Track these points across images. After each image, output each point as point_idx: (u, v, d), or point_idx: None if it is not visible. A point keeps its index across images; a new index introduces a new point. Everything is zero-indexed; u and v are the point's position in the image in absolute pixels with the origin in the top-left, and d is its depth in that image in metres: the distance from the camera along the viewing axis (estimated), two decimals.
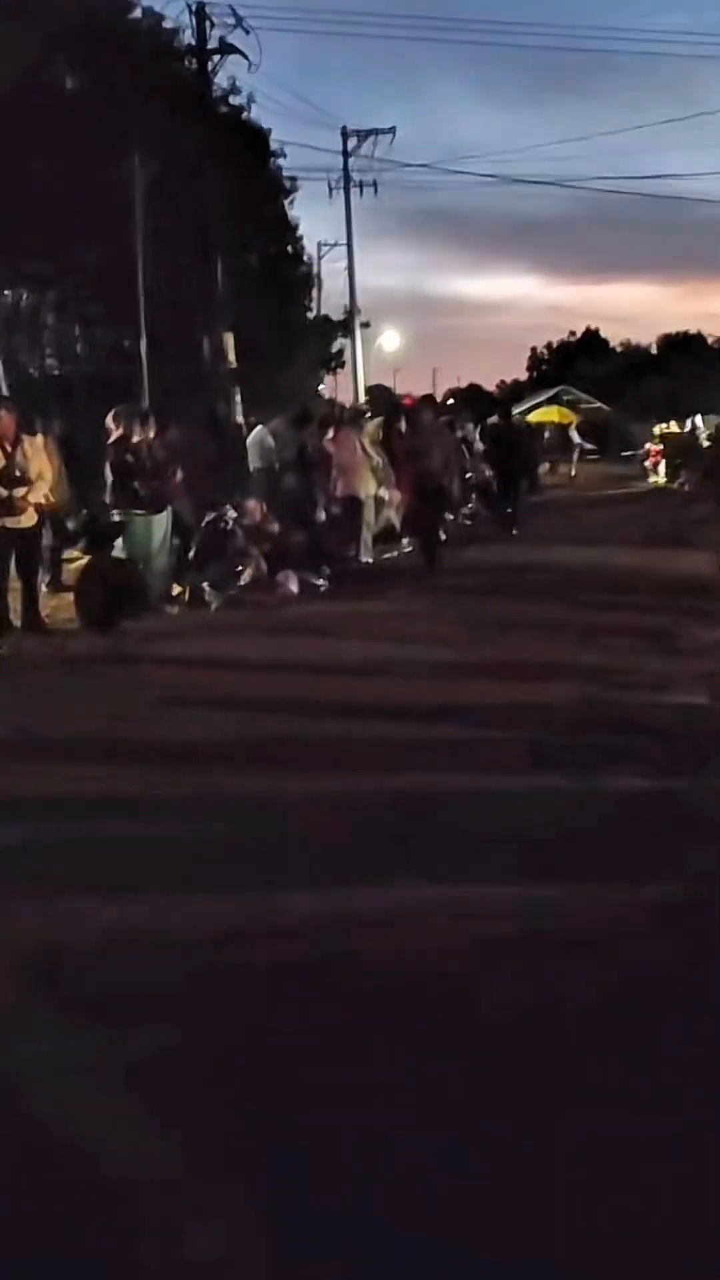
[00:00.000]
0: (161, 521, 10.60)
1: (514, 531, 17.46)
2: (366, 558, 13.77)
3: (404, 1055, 3.10)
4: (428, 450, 13.47)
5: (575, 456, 34.64)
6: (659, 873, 4.27)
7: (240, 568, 11.40)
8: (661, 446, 28.59)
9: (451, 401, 40.86)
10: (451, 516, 15.91)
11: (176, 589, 10.96)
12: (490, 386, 72.43)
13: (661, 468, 27.60)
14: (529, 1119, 2.81)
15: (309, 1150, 2.68)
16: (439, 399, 30.19)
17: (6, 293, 21.48)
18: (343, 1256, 2.36)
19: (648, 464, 29.19)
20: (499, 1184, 2.57)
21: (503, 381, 76.80)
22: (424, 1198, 2.52)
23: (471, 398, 54.69)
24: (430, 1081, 2.97)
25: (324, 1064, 3.05)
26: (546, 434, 38.74)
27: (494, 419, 20.97)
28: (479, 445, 21.04)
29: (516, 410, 40.63)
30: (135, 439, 10.49)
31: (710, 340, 67.78)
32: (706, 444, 25.03)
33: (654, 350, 70.27)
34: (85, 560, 10.46)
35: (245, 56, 20.63)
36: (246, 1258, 2.37)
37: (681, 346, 66.17)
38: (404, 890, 4.13)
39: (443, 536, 13.89)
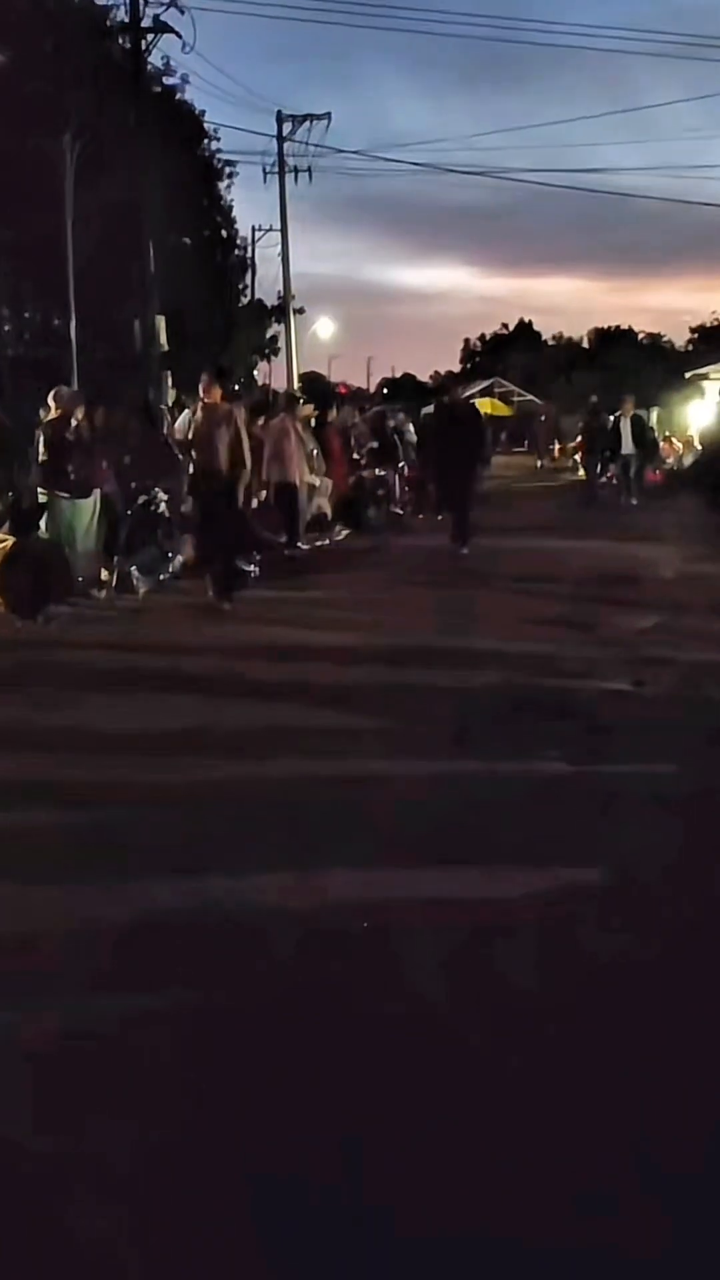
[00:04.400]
0: (88, 505, 10.48)
1: (464, 551, 12.98)
2: (299, 545, 13.72)
3: (319, 1037, 3.11)
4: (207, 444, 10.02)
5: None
6: (576, 855, 4.33)
7: (170, 553, 11.30)
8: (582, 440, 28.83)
9: (386, 391, 40.89)
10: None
11: (104, 574, 10.84)
12: (424, 376, 72.77)
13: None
14: (441, 1103, 2.84)
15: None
16: (372, 388, 30.12)
17: None
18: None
19: (577, 457, 29.39)
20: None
21: (436, 372, 77.11)
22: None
23: (403, 388, 54.84)
24: (351, 1064, 2.99)
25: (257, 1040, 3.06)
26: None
27: (429, 409, 20.84)
28: (411, 436, 21.05)
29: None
30: (72, 421, 10.37)
31: (641, 335, 68.65)
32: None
33: (585, 344, 71.02)
34: (9, 543, 10.28)
35: (179, 36, 20.45)
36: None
37: (613, 340, 66.99)
38: (318, 874, 4.12)
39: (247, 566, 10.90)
